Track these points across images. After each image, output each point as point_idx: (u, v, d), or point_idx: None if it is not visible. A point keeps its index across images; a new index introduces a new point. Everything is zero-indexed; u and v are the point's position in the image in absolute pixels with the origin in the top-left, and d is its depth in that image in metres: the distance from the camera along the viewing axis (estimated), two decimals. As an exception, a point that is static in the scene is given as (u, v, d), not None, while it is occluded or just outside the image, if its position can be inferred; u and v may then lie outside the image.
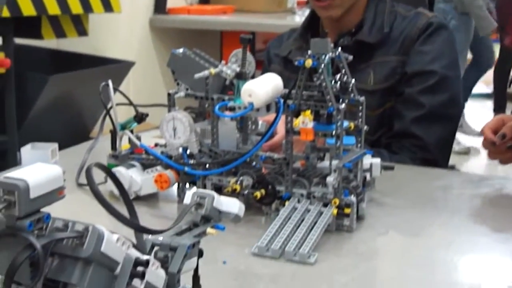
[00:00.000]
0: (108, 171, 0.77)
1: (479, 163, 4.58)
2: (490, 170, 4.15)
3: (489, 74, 5.50)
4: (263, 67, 1.87)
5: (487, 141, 1.41)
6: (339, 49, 1.18)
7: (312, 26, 1.81)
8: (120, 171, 1.28)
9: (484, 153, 4.68)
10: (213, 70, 1.21)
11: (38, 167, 0.65)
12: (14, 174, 0.63)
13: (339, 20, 1.72)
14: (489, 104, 5.87)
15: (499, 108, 5.54)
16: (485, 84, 6.27)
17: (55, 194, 0.66)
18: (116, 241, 0.66)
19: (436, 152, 1.66)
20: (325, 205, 1.15)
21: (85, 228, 0.64)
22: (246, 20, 3.98)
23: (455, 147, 4.20)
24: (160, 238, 0.80)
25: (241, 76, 1.21)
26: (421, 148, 1.64)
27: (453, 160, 2.88)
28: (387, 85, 1.67)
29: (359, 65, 1.62)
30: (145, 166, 1.31)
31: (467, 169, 4.36)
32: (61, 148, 1.56)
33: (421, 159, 1.64)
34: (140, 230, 0.74)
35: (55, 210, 0.67)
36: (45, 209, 0.66)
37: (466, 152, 4.67)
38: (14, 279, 0.63)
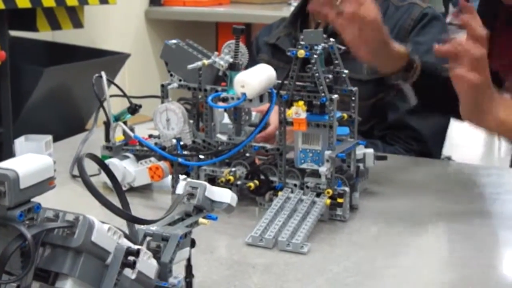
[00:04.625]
0: (99, 161, 0.77)
1: (474, 153, 4.59)
2: (486, 161, 4.15)
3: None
4: (250, 56, 1.86)
5: None
6: (332, 40, 1.18)
7: (302, 14, 1.80)
8: (114, 162, 1.28)
9: (480, 144, 4.66)
10: (206, 61, 1.21)
11: (29, 158, 0.66)
12: (4, 164, 0.63)
13: None
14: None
15: None
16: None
17: (46, 184, 0.66)
18: (107, 231, 0.66)
19: (431, 144, 1.66)
20: (318, 195, 1.15)
21: (76, 218, 0.64)
22: (242, 12, 3.97)
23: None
24: (152, 228, 0.80)
25: (234, 67, 1.21)
26: (416, 140, 1.64)
27: (448, 151, 2.87)
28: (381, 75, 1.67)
29: (351, 53, 1.61)
30: (139, 157, 1.32)
31: (462, 160, 4.35)
32: (57, 140, 1.56)
33: (416, 151, 1.64)
34: (131, 220, 0.75)
35: (49, 201, 0.67)
36: (39, 201, 0.66)
37: None
38: (5, 269, 0.63)
